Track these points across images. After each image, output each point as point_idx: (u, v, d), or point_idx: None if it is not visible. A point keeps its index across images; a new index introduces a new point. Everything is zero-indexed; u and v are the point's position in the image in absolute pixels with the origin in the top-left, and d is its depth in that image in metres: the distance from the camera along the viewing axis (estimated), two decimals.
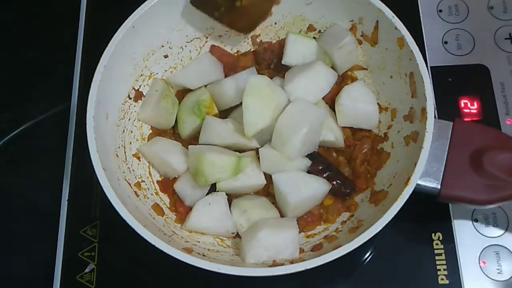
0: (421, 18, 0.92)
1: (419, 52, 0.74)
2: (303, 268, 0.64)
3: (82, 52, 0.92)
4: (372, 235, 0.65)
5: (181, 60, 0.85)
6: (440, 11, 0.94)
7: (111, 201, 0.67)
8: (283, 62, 0.81)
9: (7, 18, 1.01)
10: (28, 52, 0.98)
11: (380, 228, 0.65)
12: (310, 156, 0.76)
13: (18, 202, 0.87)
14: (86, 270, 0.79)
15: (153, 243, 0.65)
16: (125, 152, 0.76)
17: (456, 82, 0.88)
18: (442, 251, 0.78)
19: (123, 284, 0.80)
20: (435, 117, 0.71)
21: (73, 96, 0.89)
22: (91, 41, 0.92)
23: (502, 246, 0.79)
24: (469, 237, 0.79)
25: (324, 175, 0.76)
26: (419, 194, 0.69)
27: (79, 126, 0.82)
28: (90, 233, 0.81)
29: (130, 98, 0.79)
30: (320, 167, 0.76)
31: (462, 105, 0.86)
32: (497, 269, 0.77)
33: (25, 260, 0.84)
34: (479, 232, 0.79)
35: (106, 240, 0.80)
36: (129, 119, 0.79)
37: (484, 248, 0.79)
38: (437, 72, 0.88)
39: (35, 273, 0.83)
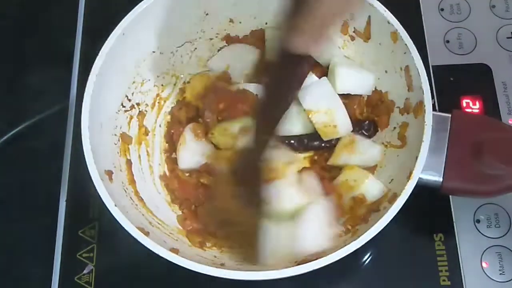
0: (423, 16, 0.92)
1: (413, 45, 0.73)
2: (307, 270, 0.64)
3: (80, 51, 0.91)
4: (377, 232, 0.65)
5: (173, 65, 0.84)
6: (442, 9, 0.93)
7: (111, 211, 0.66)
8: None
9: (5, 19, 1.01)
10: (25, 52, 0.98)
11: (385, 224, 0.65)
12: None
13: (16, 203, 0.87)
14: (85, 271, 0.79)
15: (156, 251, 0.65)
16: (120, 161, 0.76)
17: (458, 81, 0.88)
18: (444, 252, 0.78)
19: (122, 285, 0.79)
20: (433, 110, 0.71)
21: (71, 96, 0.89)
22: (90, 41, 0.92)
23: (504, 247, 0.78)
24: (471, 238, 0.79)
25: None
26: (421, 188, 0.69)
27: (77, 127, 0.82)
28: (88, 234, 0.81)
29: (123, 106, 0.79)
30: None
31: (464, 104, 0.86)
32: (499, 270, 0.77)
33: (23, 261, 0.84)
34: (481, 233, 0.79)
35: (104, 241, 0.80)
36: (122, 127, 0.78)
37: (486, 249, 0.78)
38: (438, 71, 0.87)
39: (33, 274, 0.82)
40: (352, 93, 0.80)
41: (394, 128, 0.77)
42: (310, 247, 0.71)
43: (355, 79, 0.80)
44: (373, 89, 0.81)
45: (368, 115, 0.82)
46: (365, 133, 0.80)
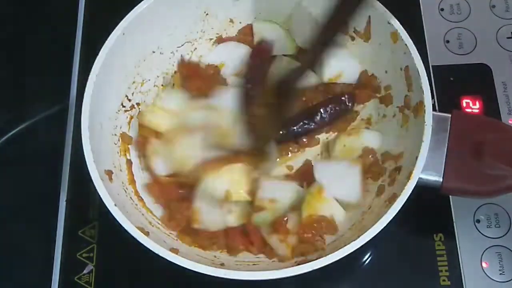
0: (422, 16, 0.92)
1: (413, 46, 0.73)
2: (307, 270, 0.64)
3: (80, 52, 0.91)
4: (378, 232, 0.64)
5: (173, 65, 0.84)
6: (442, 9, 0.93)
7: (111, 211, 0.66)
8: None
9: (4, 19, 1.01)
10: (25, 52, 0.98)
11: (385, 224, 0.65)
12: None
13: (16, 203, 0.87)
14: (85, 271, 0.79)
15: (156, 251, 0.65)
16: (120, 161, 0.76)
17: (458, 81, 0.87)
18: (444, 252, 0.78)
19: (122, 285, 0.79)
20: (433, 110, 0.71)
21: (70, 96, 0.89)
22: (89, 41, 0.92)
23: (504, 247, 0.78)
24: (471, 238, 0.78)
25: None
26: (421, 188, 0.69)
27: (76, 127, 0.82)
28: (88, 234, 0.81)
29: (123, 106, 0.79)
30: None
31: (464, 104, 0.86)
32: (499, 270, 0.77)
33: (23, 261, 0.84)
34: (481, 233, 0.79)
35: (104, 241, 0.80)
36: (122, 127, 0.78)
37: (486, 249, 0.78)
38: (438, 71, 0.87)
39: (33, 274, 0.82)
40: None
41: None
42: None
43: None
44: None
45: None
46: (347, 103, 0.81)
